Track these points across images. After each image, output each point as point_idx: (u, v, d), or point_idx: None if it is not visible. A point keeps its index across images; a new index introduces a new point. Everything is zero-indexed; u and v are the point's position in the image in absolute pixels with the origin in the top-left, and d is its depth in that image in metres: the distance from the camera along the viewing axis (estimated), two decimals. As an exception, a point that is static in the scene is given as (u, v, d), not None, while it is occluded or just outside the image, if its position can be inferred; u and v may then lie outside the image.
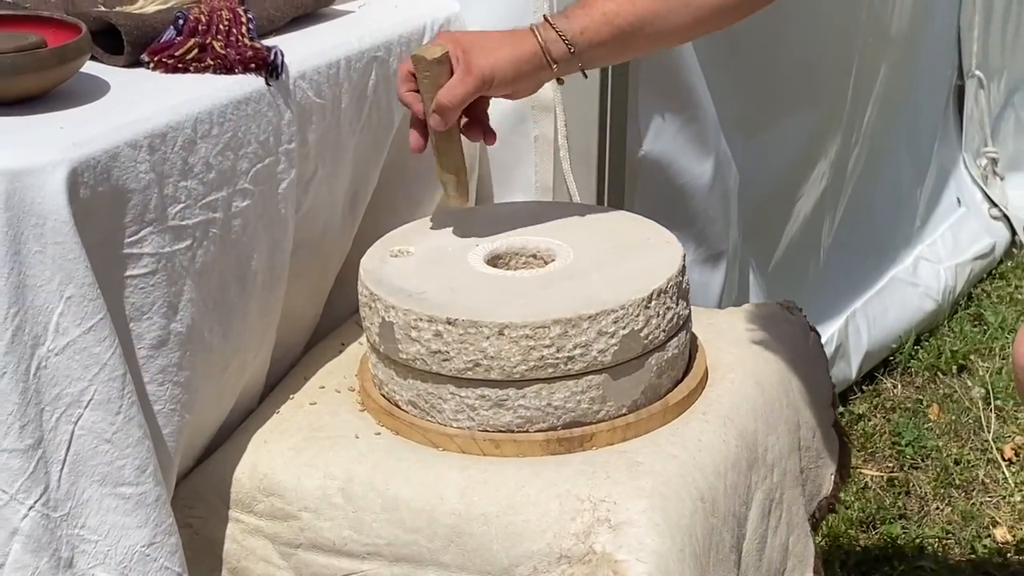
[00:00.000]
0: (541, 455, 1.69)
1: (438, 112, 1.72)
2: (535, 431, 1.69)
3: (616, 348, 1.67)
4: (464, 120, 1.79)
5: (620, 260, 1.77)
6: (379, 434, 1.74)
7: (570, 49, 1.72)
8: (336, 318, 2.00)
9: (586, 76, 1.79)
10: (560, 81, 1.81)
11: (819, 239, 2.76)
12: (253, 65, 1.69)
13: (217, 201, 1.64)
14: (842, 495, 2.55)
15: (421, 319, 1.67)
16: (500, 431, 1.70)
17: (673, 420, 1.75)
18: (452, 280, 1.74)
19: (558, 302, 1.68)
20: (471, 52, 1.72)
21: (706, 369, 1.83)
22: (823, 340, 2.76)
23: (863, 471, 2.65)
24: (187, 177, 1.60)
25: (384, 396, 1.77)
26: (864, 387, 2.95)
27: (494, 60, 1.71)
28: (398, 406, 1.75)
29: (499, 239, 1.83)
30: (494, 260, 1.81)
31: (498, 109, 2.12)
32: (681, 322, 1.76)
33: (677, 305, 1.74)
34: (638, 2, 1.73)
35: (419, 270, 1.76)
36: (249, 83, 1.69)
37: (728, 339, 1.90)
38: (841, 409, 2.88)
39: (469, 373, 1.66)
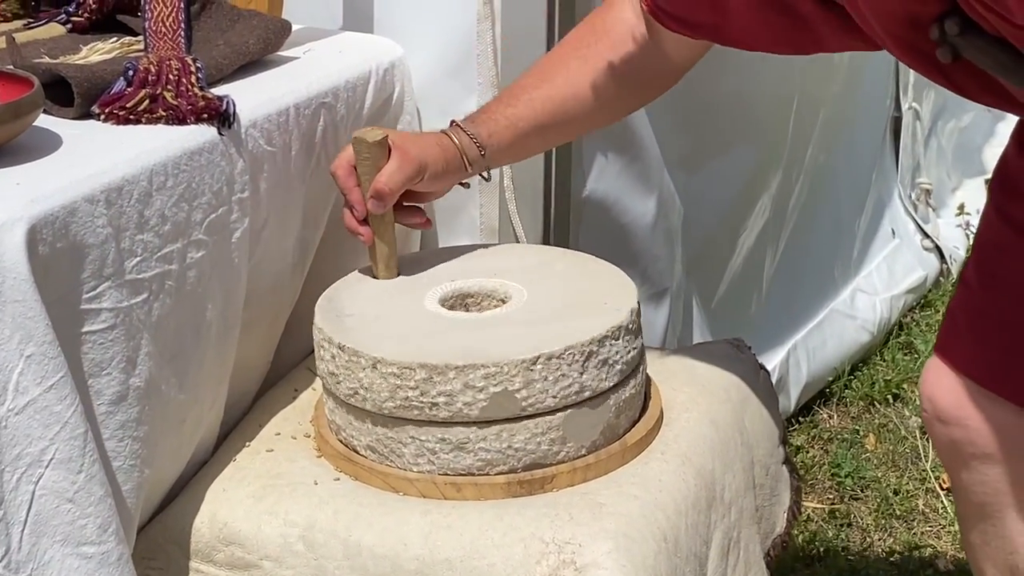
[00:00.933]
0: (503, 498, 1.69)
1: (376, 197, 1.77)
2: (496, 474, 1.70)
3: (578, 387, 1.68)
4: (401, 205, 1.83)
5: (575, 300, 1.78)
6: (338, 480, 1.73)
7: (481, 152, 1.82)
8: (286, 364, 1.99)
9: (488, 179, 1.88)
10: (466, 184, 1.90)
11: (762, 273, 2.77)
12: (205, 115, 1.69)
13: (172, 253, 1.63)
14: (786, 527, 2.57)
15: (438, 370, 1.66)
16: (461, 474, 1.70)
17: (632, 460, 1.75)
18: (423, 326, 1.74)
19: (518, 342, 1.68)
20: (405, 142, 1.80)
21: (661, 409, 1.84)
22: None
23: (805, 503, 2.67)
24: (143, 230, 1.59)
25: (342, 441, 1.77)
26: (801, 418, 2.96)
27: (426, 153, 1.79)
28: (356, 451, 1.75)
29: (452, 283, 1.83)
30: (450, 304, 1.81)
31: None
32: (637, 361, 1.77)
33: (634, 343, 1.75)
34: (538, 107, 1.83)
35: (377, 317, 1.76)
36: (201, 133, 1.68)
37: (681, 378, 1.91)
38: (781, 441, 2.90)
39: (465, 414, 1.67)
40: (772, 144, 2.68)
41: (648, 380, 1.86)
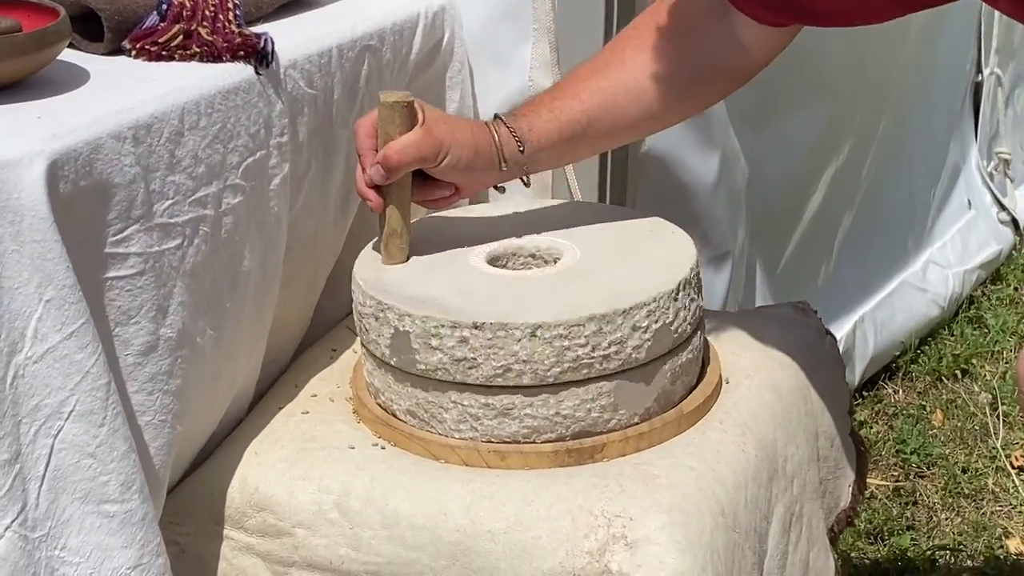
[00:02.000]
0: (550, 467, 1.59)
1: (382, 164, 1.59)
2: (543, 442, 1.60)
3: (650, 344, 1.58)
4: (430, 192, 1.67)
5: (631, 254, 1.68)
6: (376, 445, 1.64)
7: (520, 148, 1.65)
8: (326, 323, 1.89)
9: (527, 184, 1.71)
10: (500, 188, 1.73)
11: (832, 239, 2.65)
12: (242, 53, 1.59)
13: (207, 197, 1.54)
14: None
15: (443, 325, 1.56)
16: (506, 442, 1.60)
17: (688, 429, 1.65)
18: (465, 284, 1.64)
19: (586, 299, 1.58)
20: (433, 118, 1.64)
21: (720, 375, 1.73)
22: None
23: (868, 480, 2.56)
24: (175, 171, 1.50)
25: (380, 405, 1.67)
26: (865, 393, 2.86)
27: (454, 136, 1.63)
28: (396, 416, 1.65)
29: (499, 240, 1.74)
30: (495, 261, 1.71)
31: (490, 100, 2.04)
32: (696, 324, 1.67)
33: (693, 306, 1.65)
34: (585, 99, 1.66)
35: (425, 276, 1.66)
36: (237, 72, 1.59)
37: (741, 343, 1.81)
38: (846, 415, 2.79)
39: (499, 380, 1.56)
40: (843, 106, 2.56)
41: (706, 344, 1.76)
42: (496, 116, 1.67)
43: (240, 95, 1.58)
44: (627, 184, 2.06)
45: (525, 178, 1.69)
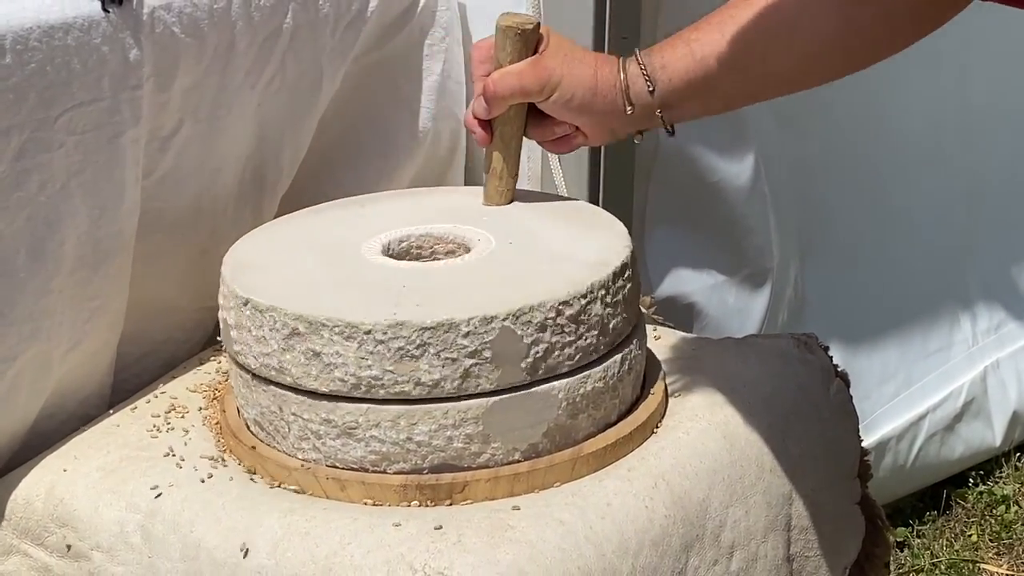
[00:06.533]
0: (397, 504, 1.29)
1: (483, 94, 1.42)
2: (393, 472, 1.29)
3: (533, 361, 1.28)
4: (547, 130, 1.45)
5: (548, 254, 1.37)
6: (212, 459, 1.37)
7: (649, 89, 1.37)
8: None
9: (671, 133, 1.41)
10: (639, 135, 1.44)
11: (936, 257, 2.18)
12: (83, -19, 1.35)
13: (-7, 147, 1.30)
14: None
15: (279, 315, 1.29)
16: (351, 468, 1.30)
17: (585, 476, 1.32)
18: (333, 275, 1.37)
19: (453, 298, 1.29)
20: (555, 50, 1.40)
21: (657, 413, 1.39)
22: (946, 392, 2.23)
23: (988, 567, 2.13)
24: (-52, 112, 1.26)
25: (239, 411, 1.41)
26: (1019, 461, 2.41)
27: (569, 69, 1.40)
28: (248, 426, 1.38)
29: (405, 228, 1.45)
30: (401, 251, 1.43)
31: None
32: (614, 342, 1.34)
33: (609, 319, 1.32)
34: (727, 31, 1.33)
35: (297, 262, 1.39)
36: (75, 5, 1.34)
37: (709, 377, 1.46)
38: (982, 488, 2.35)
39: (341, 389, 1.28)
40: (930, 80, 2.07)
41: (653, 372, 1.43)
42: (634, 51, 1.40)
43: (73, 34, 1.34)
44: (632, 183, 1.70)
45: (669, 127, 1.41)
